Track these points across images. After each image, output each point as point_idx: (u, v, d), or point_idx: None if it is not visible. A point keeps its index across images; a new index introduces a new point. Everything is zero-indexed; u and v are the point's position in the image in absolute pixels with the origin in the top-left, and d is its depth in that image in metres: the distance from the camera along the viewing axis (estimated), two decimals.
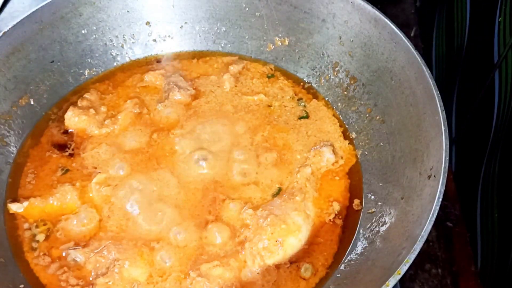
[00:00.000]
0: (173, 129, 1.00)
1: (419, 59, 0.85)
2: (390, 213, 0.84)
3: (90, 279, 0.80)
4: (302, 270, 0.82)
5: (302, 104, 1.06)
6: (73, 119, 0.99)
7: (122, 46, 1.13)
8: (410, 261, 0.67)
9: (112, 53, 1.12)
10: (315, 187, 0.92)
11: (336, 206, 0.90)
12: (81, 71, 1.09)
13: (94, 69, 1.11)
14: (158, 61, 1.14)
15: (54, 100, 1.05)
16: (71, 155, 0.96)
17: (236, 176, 0.93)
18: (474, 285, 0.99)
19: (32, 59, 1.00)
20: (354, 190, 0.94)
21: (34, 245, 0.84)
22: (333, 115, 1.04)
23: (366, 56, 0.99)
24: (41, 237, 0.85)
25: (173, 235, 0.85)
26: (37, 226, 0.86)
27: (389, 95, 0.94)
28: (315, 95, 1.08)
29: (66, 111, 1.00)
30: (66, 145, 0.97)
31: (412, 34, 1.43)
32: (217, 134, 0.99)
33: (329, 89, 1.07)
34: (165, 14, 1.13)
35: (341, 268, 0.83)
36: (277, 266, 0.82)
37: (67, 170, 0.93)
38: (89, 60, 1.10)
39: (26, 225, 0.86)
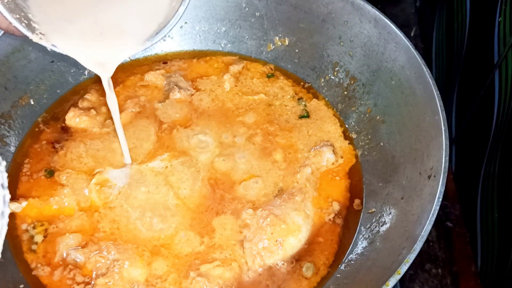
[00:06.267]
0: (174, 128, 1.00)
1: (419, 59, 0.85)
2: (390, 213, 0.84)
3: (90, 279, 0.80)
4: (304, 269, 0.82)
5: (303, 103, 1.06)
6: (74, 120, 0.99)
7: None
8: (410, 261, 0.67)
9: None
10: (315, 187, 0.92)
11: (336, 206, 0.90)
12: (81, 71, 1.09)
13: None
14: (163, 62, 1.14)
15: (54, 100, 1.05)
16: (69, 155, 0.96)
17: (237, 175, 0.93)
18: (474, 285, 0.99)
19: (32, 59, 1.00)
20: (354, 190, 0.94)
21: (33, 245, 0.84)
22: (333, 114, 1.04)
23: (366, 56, 0.99)
24: (39, 237, 0.85)
25: (173, 234, 0.85)
26: (34, 227, 0.86)
27: (389, 95, 0.94)
28: (315, 95, 1.08)
29: (66, 111, 1.00)
30: (66, 145, 0.97)
31: (412, 34, 1.43)
32: (217, 134, 0.99)
33: (329, 89, 1.08)
34: None
35: (341, 268, 0.83)
36: (278, 266, 0.82)
37: (66, 171, 0.93)
38: None
39: (24, 226, 0.86)
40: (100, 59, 0.64)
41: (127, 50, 0.67)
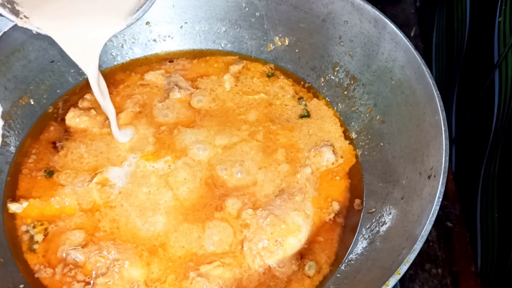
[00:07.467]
0: (174, 128, 1.00)
1: (419, 59, 0.85)
2: (390, 213, 0.84)
3: (90, 278, 0.80)
4: (306, 268, 0.83)
5: (303, 103, 1.06)
6: (74, 120, 0.99)
7: (122, 46, 1.13)
8: (410, 261, 0.67)
9: (112, 53, 1.12)
10: (315, 187, 0.92)
11: (336, 206, 0.90)
12: (81, 71, 1.08)
13: None
14: (169, 61, 1.14)
15: (54, 100, 1.05)
16: (70, 155, 0.96)
17: (237, 175, 0.93)
18: (474, 285, 0.99)
19: (32, 59, 1.00)
20: (355, 190, 0.94)
21: (33, 245, 0.84)
22: (334, 114, 1.05)
23: (366, 56, 0.99)
24: (39, 237, 0.85)
25: (172, 235, 0.85)
26: (34, 227, 0.86)
27: (389, 95, 0.94)
28: (316, 95, 1.09)
29: (66, 111, 1.01)
30: (66, 145, 0.97)
31: (412, 34, 1.43)
32: (219, 133, 0.99)
33: (329, 89, 1.08)
34: (165, 14, 1.13)
35: (341, 268, 0.83)
36: (280, 265, 0.82)
37: (65, 171, 0.93)
38: None
39: (24, 226, 0.86)
40: (83, 39, 0.63)
41: (110, 27, 0.66)
